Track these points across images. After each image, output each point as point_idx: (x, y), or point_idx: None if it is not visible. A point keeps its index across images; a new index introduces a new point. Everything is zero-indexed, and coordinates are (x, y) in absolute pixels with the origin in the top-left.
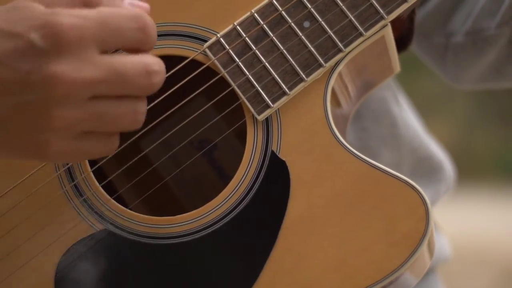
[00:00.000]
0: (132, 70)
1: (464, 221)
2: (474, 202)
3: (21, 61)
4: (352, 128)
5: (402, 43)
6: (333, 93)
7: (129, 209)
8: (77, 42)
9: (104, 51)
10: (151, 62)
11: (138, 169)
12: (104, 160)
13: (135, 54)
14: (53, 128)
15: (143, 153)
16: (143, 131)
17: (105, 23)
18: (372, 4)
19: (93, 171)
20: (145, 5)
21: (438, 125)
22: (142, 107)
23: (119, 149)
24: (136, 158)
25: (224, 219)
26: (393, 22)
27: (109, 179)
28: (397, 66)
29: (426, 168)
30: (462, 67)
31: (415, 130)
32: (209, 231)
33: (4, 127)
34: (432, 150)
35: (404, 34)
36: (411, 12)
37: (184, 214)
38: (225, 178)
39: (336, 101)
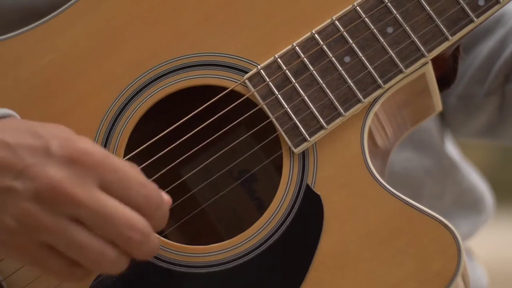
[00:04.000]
0: (119, 216)
1: (501, 248)
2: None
3: (30, 155)
4: (396, 158)
5: (445, 81)
6: (371, 129)
7: (165, 235)
8: (86, 166)
9: (103, 190)
10: (142, 223)
11: (176, 195)
12: None
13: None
14: (22, 221)
15: (181, 179)
16: (182, 157)
17: (119, 171)
18: (413, 41)
19: None
20: (167, 198)
21: (474, 148)
22: (111, 254)
23: (158, 174)
24: (174, 184)
25: (256, 250)
26: (436, 61)
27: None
28: (439, 105)
29: (468, 200)
30: (456, 125)
31: (458, 162)
32: (241, 262)
33: None
34: (473, 181)
35: (447, 72)
36: (455, 50)
37: (216, 244)
38: (261, 208)
39: (374, 137)
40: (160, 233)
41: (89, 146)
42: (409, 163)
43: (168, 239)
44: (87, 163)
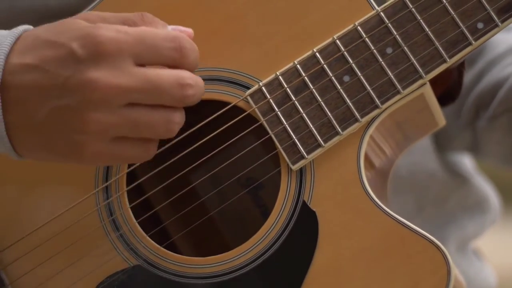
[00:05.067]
0: (166, 81)
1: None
2: None
3: (61, 68)
4: (402, 163)
5: (450, 95)
6: (368, 148)
7: (172, 241)
8: (115, 53)
9: (140, 65)
10: (185, 76)
11: (183, 204)
12: (141, 198)
13: (171, 69)
14: (88, 131)
15: (187, 188)
16: (187, 169)
17: (143, 39)
18: (411, 63)
19: (138, 202)
20: (189, 30)
21: None
22: (176, 117)
23: (164, 184)
24: (180, 193)
25: (253, 263)
26: (440, 75)
27: (150, 213)
28: (441, 120)
29: (473, 201)
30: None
31: (462, 165)
32: (237, 274)
33: (43, 129)
34: (478, 183)
35: (452, 86)
36: (460, 65)
37: (214, 256)
38: (266, 215)
39: (370, 156)
40: (167, 239)
41: (108, 34)
42: (414, 167)
43: (176, 245)
44: (114, 50)
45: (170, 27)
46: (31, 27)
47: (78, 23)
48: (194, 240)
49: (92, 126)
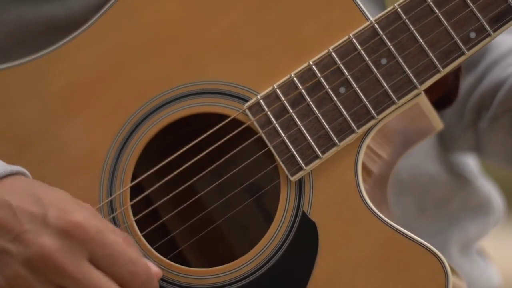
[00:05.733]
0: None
1: None
2: None
3: (28, 221)
4: (403, 166)
5: (447, 99)
6: (365, 158)
7: (180, 250)
8: (77, 240)
9: (92, 263)
10: None
11: (186, 216)
12: (146, 211)
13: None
14: (10, 282)
15: (190, 201)
16: (189, 182)
17: (110, 247)
18: (406, 73)
19: (144, 215)
20: (158, 271)
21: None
22: None
23: (167, 197)
24: (184, 205)
25: (254, 274)
26: (437, 80)
27: (152, 227)
28: (438, 124)
29: (475, 203)
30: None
31: (464, 167)
32: (240, 284)
33: None
34: (480, 184)
35: (449, 90)
36: (457, 69)
37: (216, 268)
38: (270, 221)
39: (368, 166)
40: (175, 249)
41: (83, 220)
42: (415, 170)
43: (183, 255)
44: (79, 236)
45: (144, 258)
46: (27, 173)
47: (69, 199)
48: (200, 249)
49: (16, 281)
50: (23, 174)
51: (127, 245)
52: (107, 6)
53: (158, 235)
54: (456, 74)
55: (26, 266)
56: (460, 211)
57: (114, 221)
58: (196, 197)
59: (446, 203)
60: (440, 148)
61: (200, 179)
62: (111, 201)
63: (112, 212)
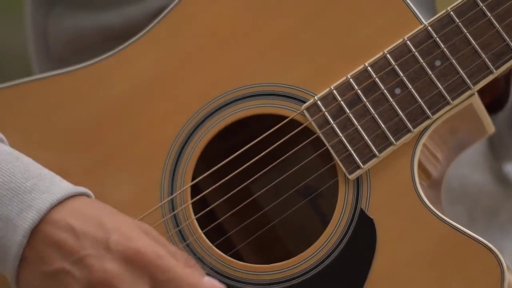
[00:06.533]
0: None
1: None
2: None
3: (90, 245)
4: (453, 175)
5: (497, 103)
6: (421, 156)
7: (236, 251)
8: (139, 266)
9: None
10: None
11: (244, 215)
12: (205, 210)
13: None
14: None
15: (248, 200)
16: (248, 181)
17: (170, 273)
18: (460, 75)
19: (203, 214)
20: (222, 287)
21: None
22: None
23: (226, 196)
24: (240, 206)
25: (314, 270)
26: (488, 84)
27: (214, 224)
28: (490, 127)
29: None
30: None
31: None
32: (299, 281)
33: (45, 276)
34: None
35: (499, 94)
36: (508, 73)
37: (277, 264)
38: (326, 223)
39: (424, 164)
40: (232, 248)
41: (143, 246)
42: (465, 180)
43: (239, 254)
44: (140, 262)
45: (206, 278)
46: (91, 193)
47: (134, 224)
48: (256, 248)
49: None
50: (86, 195)
51: (189, 268)
52: (164, 13)
53: (215, 234)
54: (507, 78)
55: None
56: (509, 223)
57: (175, 219)
58: (253, 197)
59: (496, 214)
60: (490, 157)
61: (257, 179)
62: (172, 199)
63: (173, 210)
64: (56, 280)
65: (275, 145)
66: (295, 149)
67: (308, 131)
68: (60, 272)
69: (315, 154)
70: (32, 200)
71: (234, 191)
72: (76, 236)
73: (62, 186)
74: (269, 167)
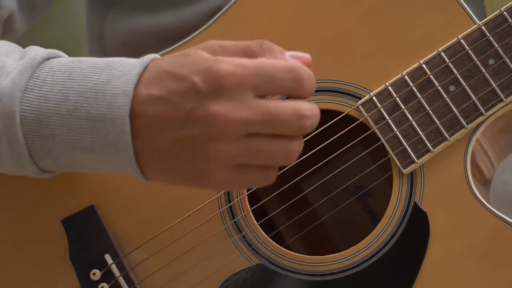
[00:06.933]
0: (284, 113)
1: None
2: None
3: (184, 100)
4: (497, 181)
5: None
6: (474, 152)
7: (286, 245)
8: (234, 87)
9: (260, 96)
10: (303, 107)
11: (296, 209)
12: (263, 201)
13: (290, 100)
14: (211, 160)
15: (300, 195)
16: (301, 176)
17: (261, 72)
18: None
19: (252, 209)
20: (306, 56)
21: None
22: (294, 146)
23: (279, 190)
24: (293, 200)
25: (368, 261)
26: None
27: (268, 217)
28: None
29: None
30: None
31: None
32: (354, 271)
33: (168, 157)
34: None
35: None
36: None
37: (331, 255)
38: (375, 221)
39: (476, 160)
40: (281, 243)
41: (228, 68)
42: (508, 187)
43: (289, 248)
44: (233, 84)
45: (288, 53)
46: (158, 56)
47: (200, 55)
48: (307, 243)
49: (214, 156)
50: (154, 59)
51: (270, 53)
52: (220, 12)
53: (268, 228)
54: None
55: (212, 138)
56: None
57: (231, 211)
58: (305, 192)
59: None
60: None
61: (310, 175)
62: (228, 192)
63: (229, 202)
64: (179, 151)
65: (332, 138)
66: (350, 144)
67: (360, 129)
68: (177, 142)
69: (369, 149)
70: (114, 88)
71: (286, 186)
72: (165, 101)
73: (132, 63)
74: (324, 161)
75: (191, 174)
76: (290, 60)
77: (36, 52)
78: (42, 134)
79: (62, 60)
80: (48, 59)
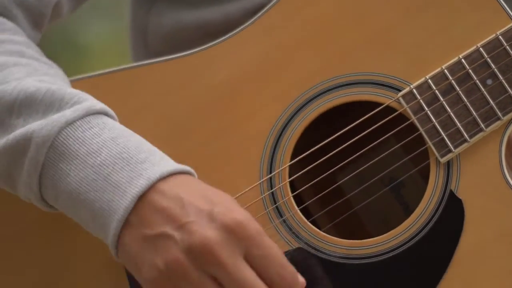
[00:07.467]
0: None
1: None
2: None
3: (194, 213)
4: None
5: None
6: (509, 143)
7: (322, 231)
8: (238, 237)
9: (246, 261)
10: None
11: (332, 198)
12: (303, 188)
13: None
14: (169, 265)
15: (337, 184)
16: (340, 165)
17: (265, 247)
18: None
19: (292, 197)
20: (303, 281)
21: None
22: None
23: (318, 179)
24: (330, 188)
25: (404, 246)
26: None
27: (306, 204)
28: None
29: None
30: None
31: None
32: (390, 255)
33: (145, 242)
34: None
35: None
36: None
37: (369, 239)
38: (407, 211)
39: (511, 151)
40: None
41: (245, 220)
42: None
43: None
44: (240, 234)
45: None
46: (193, 172)
47: (233, 200)
48: (341, 231)
49: (175, 265)
50: (191, 174)
51: (279, 252)
52: (265, 9)
53: (303, 215)
54: None
55: (186, 253)
56: None
57: (273, 196)
58: (341, 181)
59: None
60: None
61: (347, 164)
62: (270, 178)
63: (271, 188)
64: (156, 243)
65: (372, 128)
66: (389, 134)
67: (399, 121)
68: (161, 236)
69: (406, 140)
70: (143, 170)
71: (324, 175)
72: (182, 205)
73: (171, 163)
74: (363, 150)
75: (143, 261)
76: (292, 268)
77: (97, 102)
78: (59, 168)
79: (116, 125)
80: (106, 114)
